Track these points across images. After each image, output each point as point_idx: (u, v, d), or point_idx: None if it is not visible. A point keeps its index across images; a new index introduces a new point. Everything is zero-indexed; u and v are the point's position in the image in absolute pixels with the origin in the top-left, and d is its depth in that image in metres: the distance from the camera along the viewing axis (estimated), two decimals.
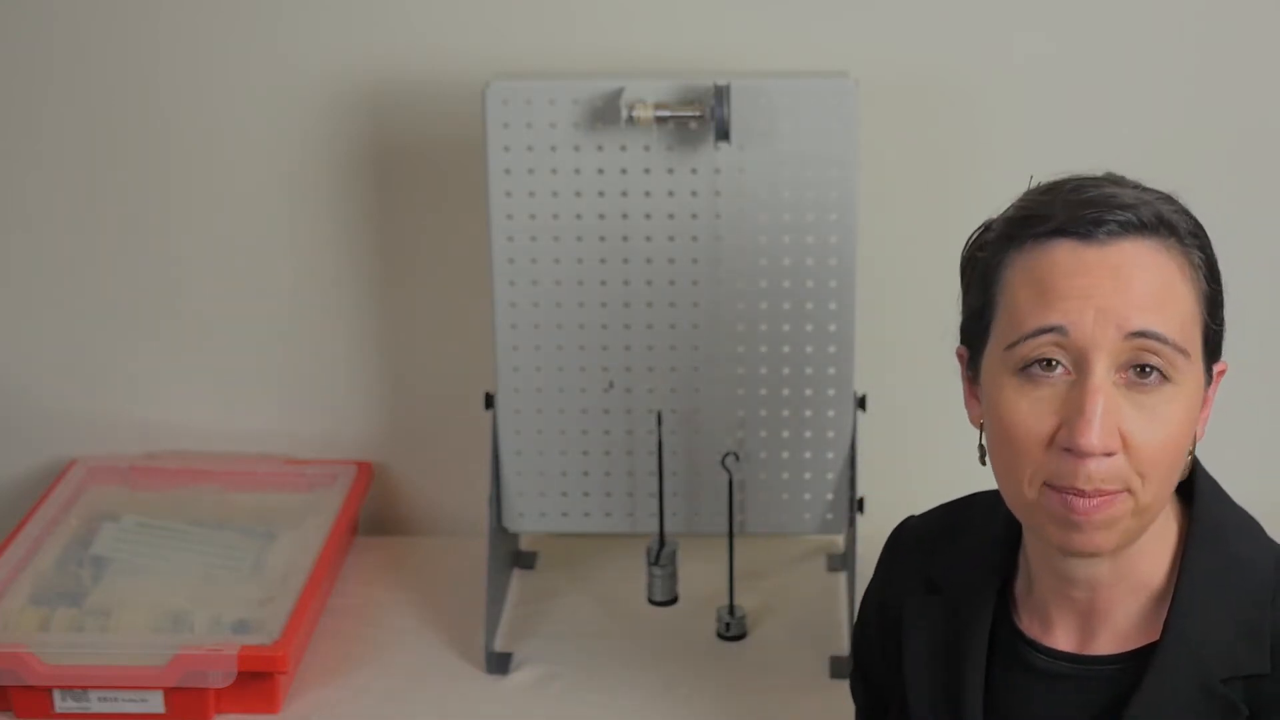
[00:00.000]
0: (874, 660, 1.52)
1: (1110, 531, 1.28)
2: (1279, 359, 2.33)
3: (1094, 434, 1.24)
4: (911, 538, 1.52)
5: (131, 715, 1.98)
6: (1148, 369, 1.27)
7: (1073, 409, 1.26)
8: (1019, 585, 1.42)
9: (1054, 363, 1.28)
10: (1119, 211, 1.29)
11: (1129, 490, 1.27)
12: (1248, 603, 1.32)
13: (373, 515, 2.45)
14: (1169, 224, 1.30)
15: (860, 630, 1.56)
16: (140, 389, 2.42)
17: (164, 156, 2.32)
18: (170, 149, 2.32)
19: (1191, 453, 1.34)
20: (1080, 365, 1.27)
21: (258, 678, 1.97)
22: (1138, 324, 1.26)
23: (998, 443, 1.32)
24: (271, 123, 2.30)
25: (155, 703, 1.97)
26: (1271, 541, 1.37)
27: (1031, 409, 1.28)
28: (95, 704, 1.97)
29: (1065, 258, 1.29)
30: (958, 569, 1.44)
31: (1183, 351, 1.27)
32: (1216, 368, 1.35)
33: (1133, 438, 1.26)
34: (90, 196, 2.35)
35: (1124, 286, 1.27)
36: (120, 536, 2.23)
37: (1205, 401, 1.34)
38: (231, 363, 2.40)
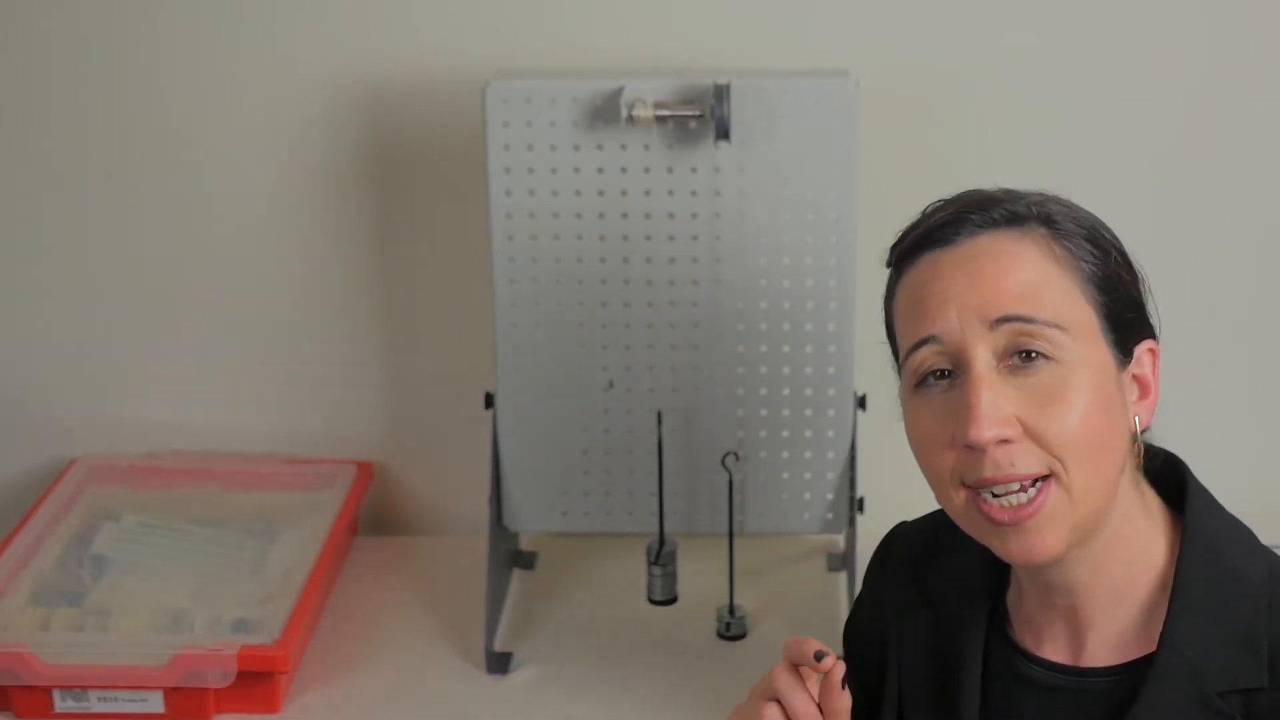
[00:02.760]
0: (866, 662, 1.51)
1: (1051, 530, 1.28)
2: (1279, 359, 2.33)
3: (982, 425, 1.26)
4: (903, 546, 1.53)
5: (131, 715, 1.98)
6: (1029, 353, 1.28)
7: (961, 406, 1.28)
8: (1011, 596, 1.42)
9: (943, 372, 1.31)
10: (972, 211, 1.33)
11: (1053, 475, 1.27)
12: (1243, 614, 1.31)
13: (373, 515, 2.45)
14: (1028, 215, 1.32)
15: (850, 627, 1.56)
16: (140, 388, 2.42)
17: (163, 156, 2.32)
18: (169, 148, 2.32)
19: (1135, 440, 1.33)
20: (960, 365, 1.30)
21: (258, 677, 1.97)
22: (1000, 310, 1.28)
23: (918, 460, 1.34)
24: (272, 122, 2.30)
25: (155, 702, 1.97)
26: (1266, 550, 1.37)
27: (931, 418, 1.31)
28: (95, 704, 1.97)
29: (927, 268, 1.33)
30: (950, 579, 1.44)
31: (1057, 327, 1.28)
32: (1142, 347, 1.35)
33: (1029, 420, 1.27)
34: (90, 196, 2.35)
35: (980, 279, 1.30)
36: (120, 536, 2.23)
37: (1142, 385, 1.34)
38: (232, 362, 2.40)
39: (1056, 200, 1.35)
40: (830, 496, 2.16)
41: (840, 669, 1.32)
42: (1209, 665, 1.30)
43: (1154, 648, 1.32)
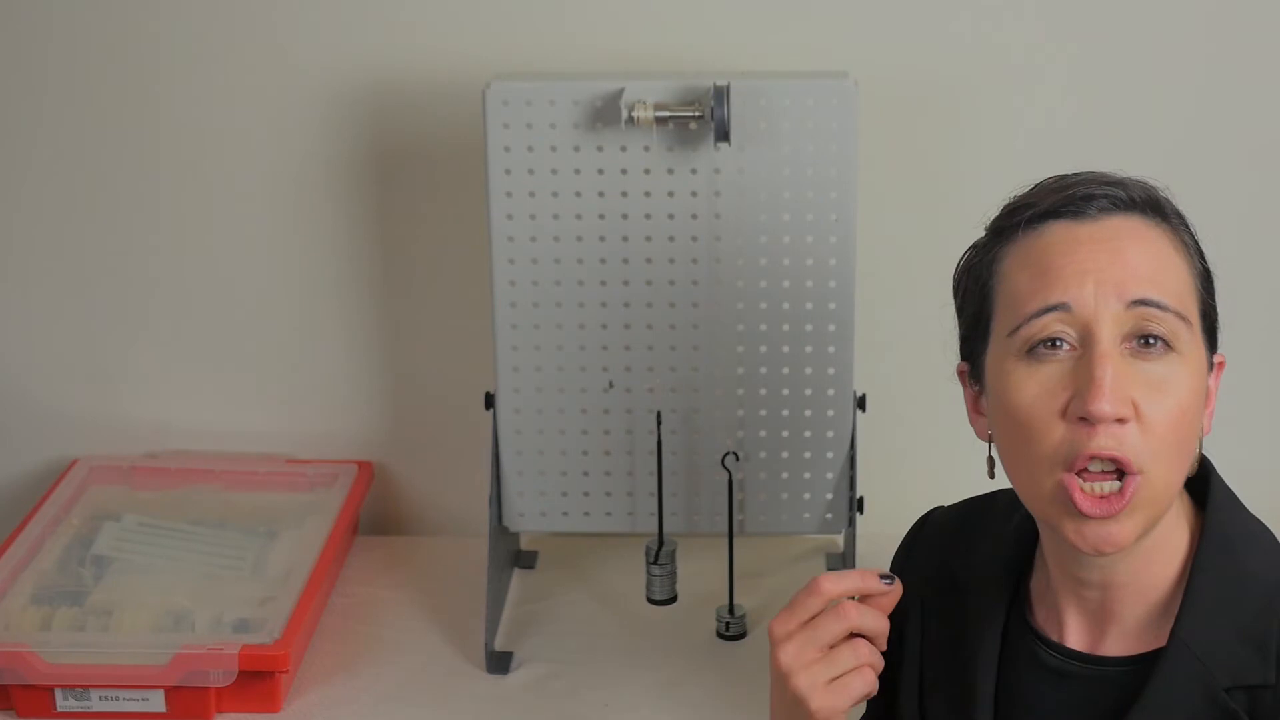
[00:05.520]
0: (890, 644, 1.52)
1: (1131, 522, 1.29)
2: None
3: (1105, 398, 1.25)
4: (935, 529, 1.53)
5: (133, 714, 1.98)
6: (1152, 339, 1.28)
7: (1083, 378, 1.27)
8: (1035, 582, 1.43)
9: (1059, 341, 1.29)
10: (1107, 188, 1.32)
11: (1143, 472, 1.27)
12: (1255, 613, 1.32)
13: (373, 515, 2.45)
14: (1156, 203, 1.33)
15: None
16: (141, 389, 2.42)
17: (164, 156, 2.33)
18: (170, 148, 2.32)
19: (1200, 446, 1.35)
20: (1086, 338, 1.29)
21: (259, 677, 1.98)
22: (1137, 292, 1.28)
23: (1010, 432, 1.32)
24: (271, 123, 2.30)
25: (156, 702, 1.97)
26: None
27: (1042, 386, 1.30)
28: (96, 703, 1.97)
29: (1059, 237, 1.32)
30: (976, 564, 1.45)
31: (1184, 319, 1.29)
32: (1216, 358, 1.36)
33: (1142, 407, 1.27)
34: (91, 196, 2.35)
35: (1120, 258, 1.29)
36: (121, 536, 2.23)
37: (1209, 394, 1.35)
38: (232, 362, 2.40)
39: (1166, 196, 1.36)
40: (830, 496, 2.16)
41: (899, 586, 1.38)
42: (1217, 661, 1.31)
43: (1166, 641, 1.32)
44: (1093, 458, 1.27)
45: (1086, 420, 1.27)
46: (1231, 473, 1.42)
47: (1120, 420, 1.26)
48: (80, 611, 2.06)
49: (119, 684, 1.96)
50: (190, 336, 2.40)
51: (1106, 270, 1.29)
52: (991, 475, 1.37)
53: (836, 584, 1.37)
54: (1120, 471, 1.27)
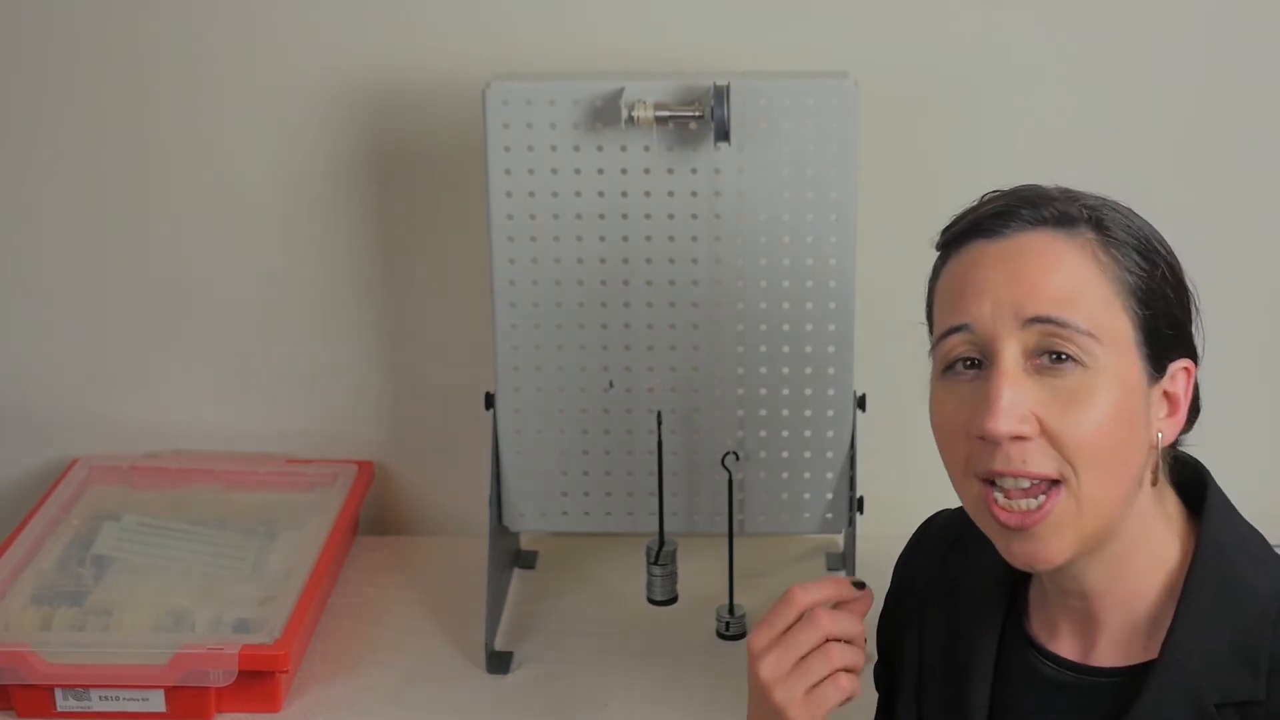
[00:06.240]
0: (893, 649, 1.53)
1: (1057, 538, 1.29)
2: None
3: (999, 418, 1.27)
4: (937, 534, 1.53)
5: (133, 714, 1.98)
6: (1058, 355, 1.28)
7: (980, 398, 1.29)
8: (1033, 591, 1.43)
9: (972, 361, 1.31)
10: (1023, 207, 1.33)
11: (1062, 479, 1.27)
12: (1247, 628, 1.31)
13: (373, 515, 2.45)
14: (1079, 217, 1.32)
15: (884, 619, 1.56)
16: (141, 388, 2.42)
17: (164, 156, 2.33)
18: (170, 148, 2.32)
19: (1159, 456, 1.33)
20: (988, 357, 1.30)
21: (259, 677, 1.98)
22: (1034, 310, 1.29)
23: (938, 445, 1.36)
24: (271, 122, 2.30)
25: (156, 701, 1.97)
26: (1279, 562, 1.37)
27: (954, 405, 1.32)
28: (96, 703, 1.97)
29: (971, 257, 1.34)
30: (976, 569, 1.45)
31: (1090, 335, 1.28)
32: (1176, 365, 1.34)
33: (1049, 422, 1.27)
34: (90, 196, 2.35)
35: (1020, 275, 1.30)
36: (121, 536, 2.23)
37: (1171, 402, 1.34)
38: (232, 362, 2.40)
39: (1114, 206, 1.35)
40: (830, 496, 2.16)
41: (870, 594, 1.40)
42: (1208, 677, 1.30)
43: (1157, 654, 1.32)
44: (1001, 475, 1.28)
45: (985, 439, 1.28)
46: (1230, 474, 1.42)
47: (1020, 438, 1.27)
48: (80, 611, 2.06)
49: (119, 684, 1.96)
50: (190, 336, 2.40)
51: (1003, 289, 1.30)
52: None
53: (809, 594, 1.39)
54: (1043, 481, 1.28)
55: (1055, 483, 1.28)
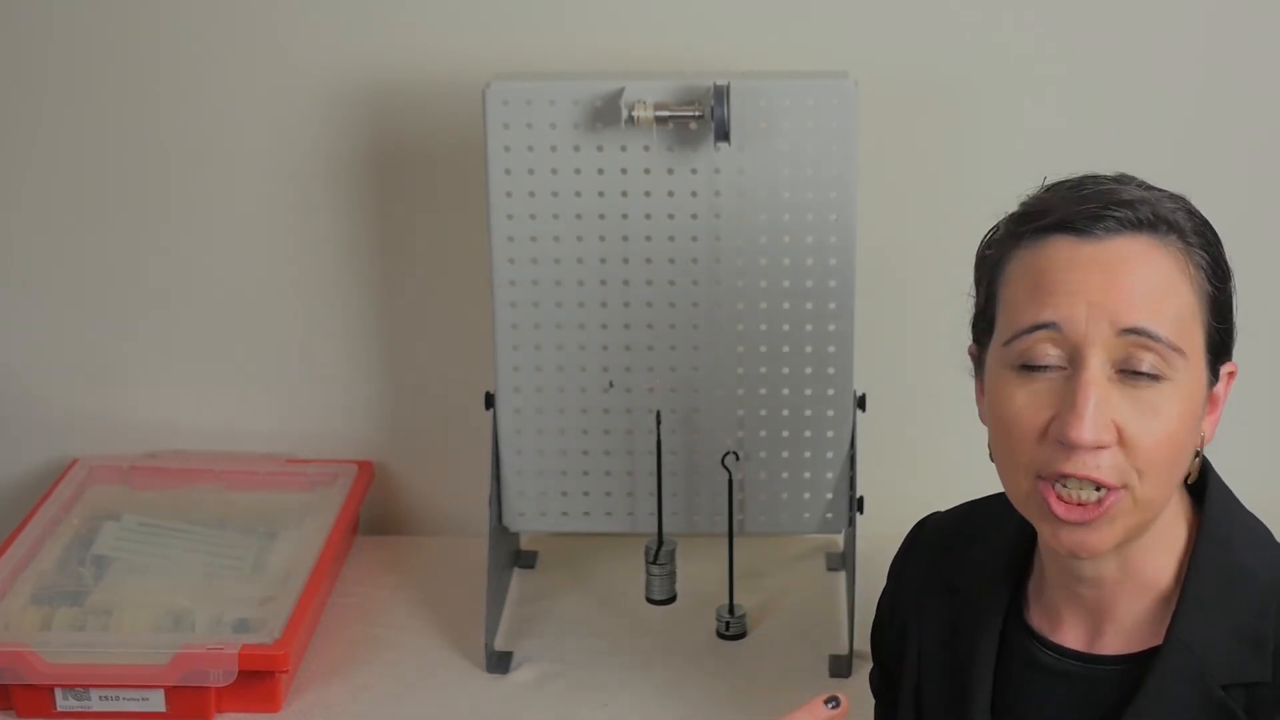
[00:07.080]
0: (890, 653, 1.53)
1: (1109, 530, 1.29)
2: None
3: (1085, 427, 1.26)
4: (932, 535, 1.53)
5: (133, 714, 1.98)
6: (1145, 369, 1.28)
7: (1065, 402, 1.28)
8: (1033, 583, 1.43)
9: (1049, 359, 1.29)
10: (1116, 208, 1.30)
11: (1126, 486, 1.28)
12: (1251, 611, 1.32)
13: (373, 515, 2.45)
14: (1169, 222, 1.31)
15: (878, 624, 1.56)
16: (141, 389, 2.42)
17: (164, 156, 2.33)
18: (170, 149, 2.32)
19: (1199, 454, 1.35)
20: (1074, 360, 1.28)
21: (259, 676, 1.98)
22: (1130, 321, 1.27)
23: (996, 435, 1.33)
24: (271, 123, 2.30)
25: (156, 701, 1.97)
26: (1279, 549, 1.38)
27: (1027, 402, 1.30)
28: (96, 703, 1.97)
29: (1061, 253, 1.31)
30: (973, 567, 1.45)
31: (1177, 350, 1.28)
32: (1224, 369, 1.35)
33: (1128, 432, 1.27)
34: (91, 196, 2.35)
35: (1117, 282, 1.28)
36: (121, 536, 2.23)
37: (1213, 403, 1.35)
38: (232, 362, 2.40)
39: (1190, 210, 1.34)
40: (830, 496, 2.16)
41: (847, 703, 1.35)
42: (1213, 659, 1.31)
43: (1162, 639, 1.33)
44: (1069, 477, 1.28)
45: (1064, 444, 1.27)
46: (1231, 473, 1.42)
47: (1100, 446, 1.27)
48: (80, 611, 2.06)
49: (119, 684, 1.96)
50: (190, 336, 2.40)
51: (1100, 294, 1.28)
52: (992, 459, 1.38)
53: None
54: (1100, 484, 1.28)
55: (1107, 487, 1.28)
